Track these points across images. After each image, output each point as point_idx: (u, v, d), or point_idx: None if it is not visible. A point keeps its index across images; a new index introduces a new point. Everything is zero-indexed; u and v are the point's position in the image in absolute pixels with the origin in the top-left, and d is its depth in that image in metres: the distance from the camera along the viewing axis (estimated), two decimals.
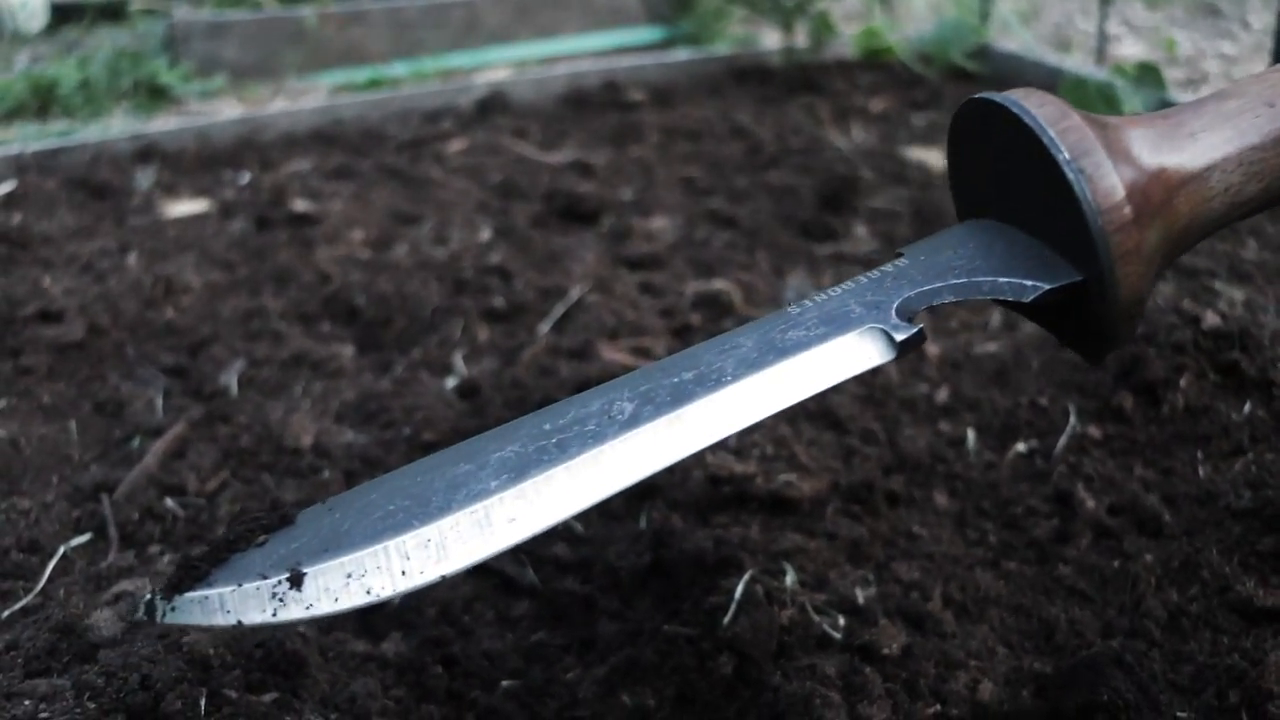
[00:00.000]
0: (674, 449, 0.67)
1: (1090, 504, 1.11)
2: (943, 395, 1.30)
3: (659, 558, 1.02)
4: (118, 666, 0.84)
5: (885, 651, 0.92)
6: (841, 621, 0.95)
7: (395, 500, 0.66)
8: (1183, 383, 1.21)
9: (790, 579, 0.99)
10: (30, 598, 1.01)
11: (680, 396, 0.67)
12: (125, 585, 1.00)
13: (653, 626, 0.95)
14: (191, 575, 0.65)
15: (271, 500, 0.71)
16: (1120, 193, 0.69)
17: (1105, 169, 0.69)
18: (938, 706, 0.89)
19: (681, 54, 2.85)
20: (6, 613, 0.99)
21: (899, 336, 0.70)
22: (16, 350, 1.47)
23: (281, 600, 0.63)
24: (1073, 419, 1.22)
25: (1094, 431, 1.21)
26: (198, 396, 1.39)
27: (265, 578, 0.63)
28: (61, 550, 1.09)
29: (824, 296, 0.73)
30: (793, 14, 2.65)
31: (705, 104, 2.49)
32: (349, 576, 0.63)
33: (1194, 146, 0.73)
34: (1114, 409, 1.22)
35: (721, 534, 1.04)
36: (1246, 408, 1.19)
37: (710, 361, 0.70)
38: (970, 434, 1.23)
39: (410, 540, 0.62)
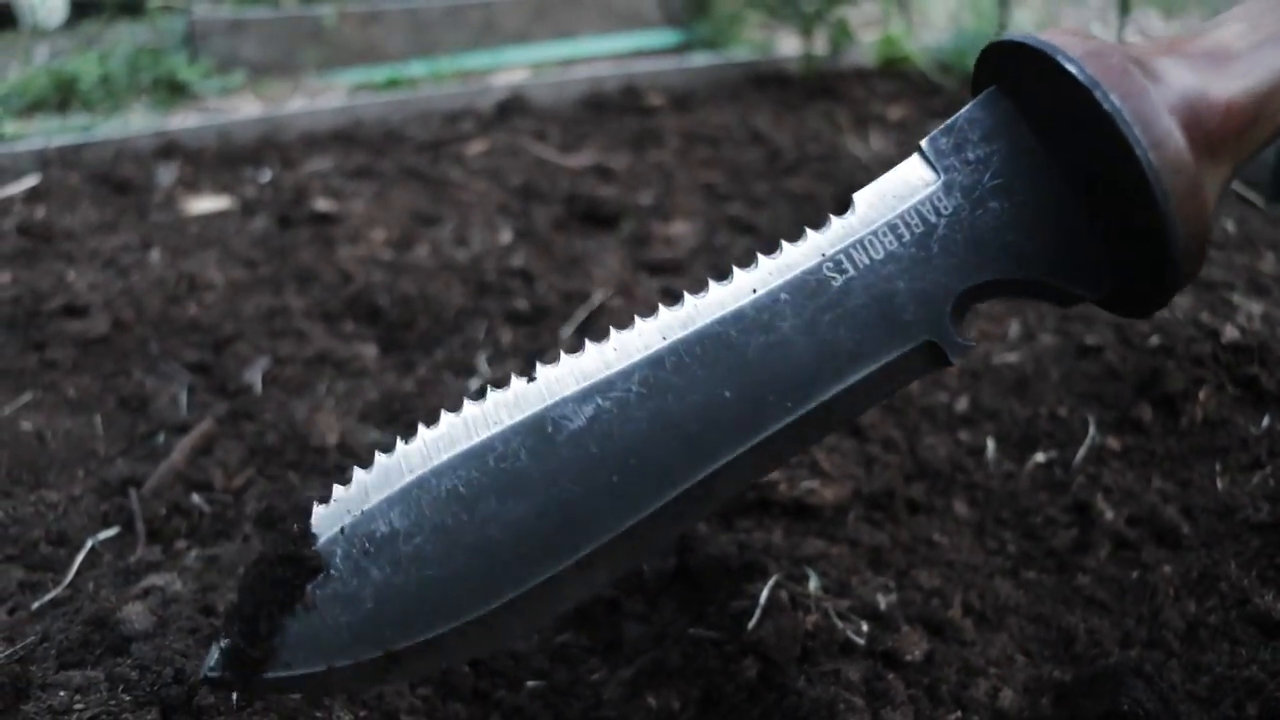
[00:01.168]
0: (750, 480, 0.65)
1: (1109, 515, 1.11)
2: (962, 404, 1.31)
3: (684, 562, 1.03)
4: (151, 660, 0.85)
5: (908, 658, 0.93)
6: (864, 627, 0.95)
7: (457, 558, 0.61)
8: (1201, 395, 1.22)
9: (814, 584, 1.00)
10: (59, 590, 1.02)
11: (751, 428, 0.64)
12: (154, 579, 1.01)
13: (678, 630, 0.96)
14: (257, 658, 0.62)
15: (280, 546, 0.63)
16: (1186, 156, 0.63)
17: (1168, 136, 0.63)
18: (959, 713, 0.89)
19: (700, 59, 2.86)
20: (36, 604, 1.00)
21: (955, 358, 0.66)
22: (41, 344, 1.48)
23: (386, 672, 0.62)
24: (1092, 430, 1.23)
25: (1113, 443, 1.21)
26: (222, 393, 1.40)
27: (359, 659, 0.61)
28: (89, 543, 1.10)
29: (865, 260, 0.66)
30: (812, 20, 2.66)
31: (724, 109, 2.50)
32: (443, 651, 0.62)
33: (1252, 71, 0.69)
34: (1133, 420, 1.23)
35: (745, 539, 1.05)
36: (1265, 421, 1.20)
37: (764, 366, 0.64)
38: (990, 443, 1.24)
39: (495, 609, 0.61)
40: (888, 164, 2.07)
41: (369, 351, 1.49)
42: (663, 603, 1.00)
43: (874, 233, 0.66)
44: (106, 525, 1.14)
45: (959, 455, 1.22)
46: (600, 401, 0.63)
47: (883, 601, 1.00)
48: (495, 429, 0.63)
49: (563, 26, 3.45)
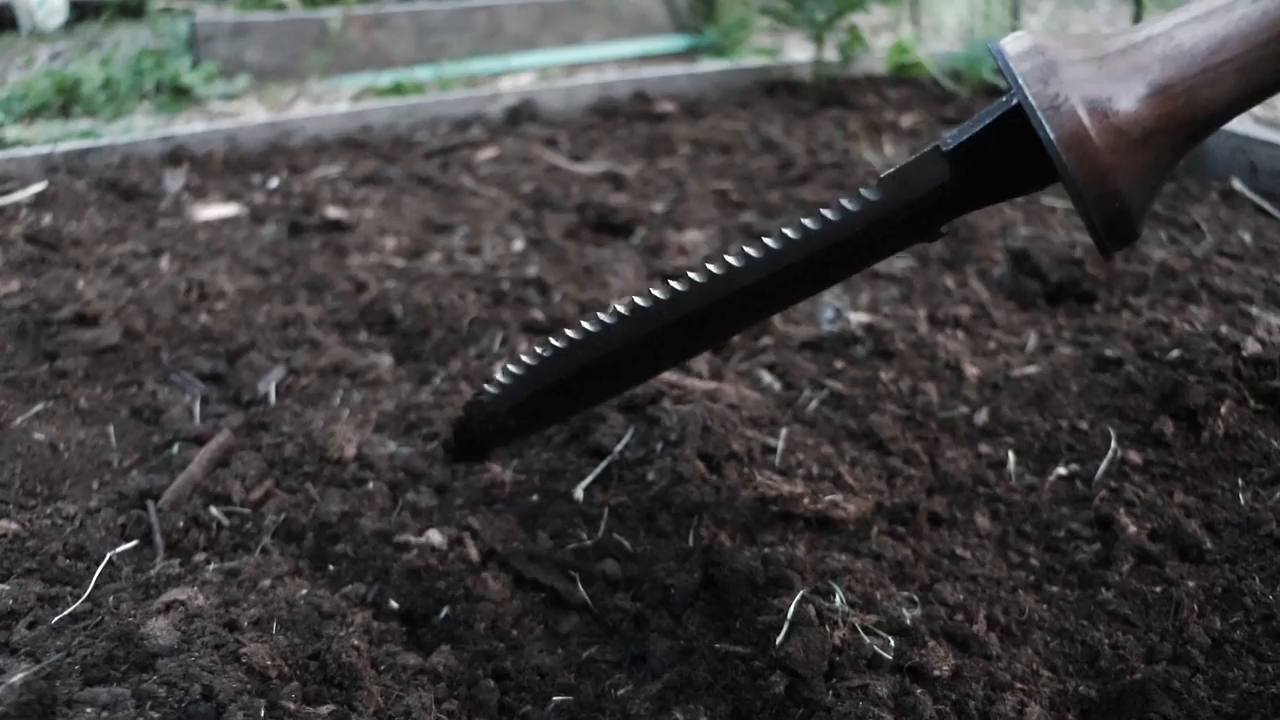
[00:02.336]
0: None
1: (1131, 529, 1.11)
2: (982, 417, 1.30)
3: (709, 576, 1.02)
4: (178, 676, 0.85)
5: (935, 673, 0.93)
6: (891, 642, 0.95)
7: (567, 407, 1.18)
8: (1223, 409, 1.22)
9: (839, 599, 0.99)
10: (79, 604, 1.01)
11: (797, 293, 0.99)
12: (175, 594, 1.00)
13: (705, 644, 0.95)
14: (472, 455, 1.24)
15: (482, 414, 1.13)
16: (1091, 142, 0.76)
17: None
18: None
19: (711, 65, 2.86)
20: (56, 619, 0.99)
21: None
22: (53, 353, 1.47)
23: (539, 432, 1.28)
24: (1113, 443, 1.23)
25: (1134, 456, 1.21)
26: (236, 404, 1.39)
27: (525, 439, 1.29)
28: (108, 556, 1.09)
29: (887, 228, 0.89)
30: (824, 28, 2.65)
31: (735, 116, 2.50)
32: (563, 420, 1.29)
33: (1177, 62, 0.77)
34: (1154, 434, 1.23)
35: (769, 553, 1.04)
36: None
37: (809, 277, 0.94)
38: (1011, 456, 1.23)
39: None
40: None
41: (384, 361, 1.48)
42: (689, 617, 1.00)
43: (895, 211, 0.88)
44: (125, 538, 1.13)
45: (980, 468, 1.22)
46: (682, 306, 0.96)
47: (908, 616, 0.99)
48: (613, 347, 1.00)
49: (569, 31, 3.45)
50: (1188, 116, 0.78)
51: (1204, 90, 0.77)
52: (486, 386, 1.11)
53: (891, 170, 0.88)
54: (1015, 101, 0.81)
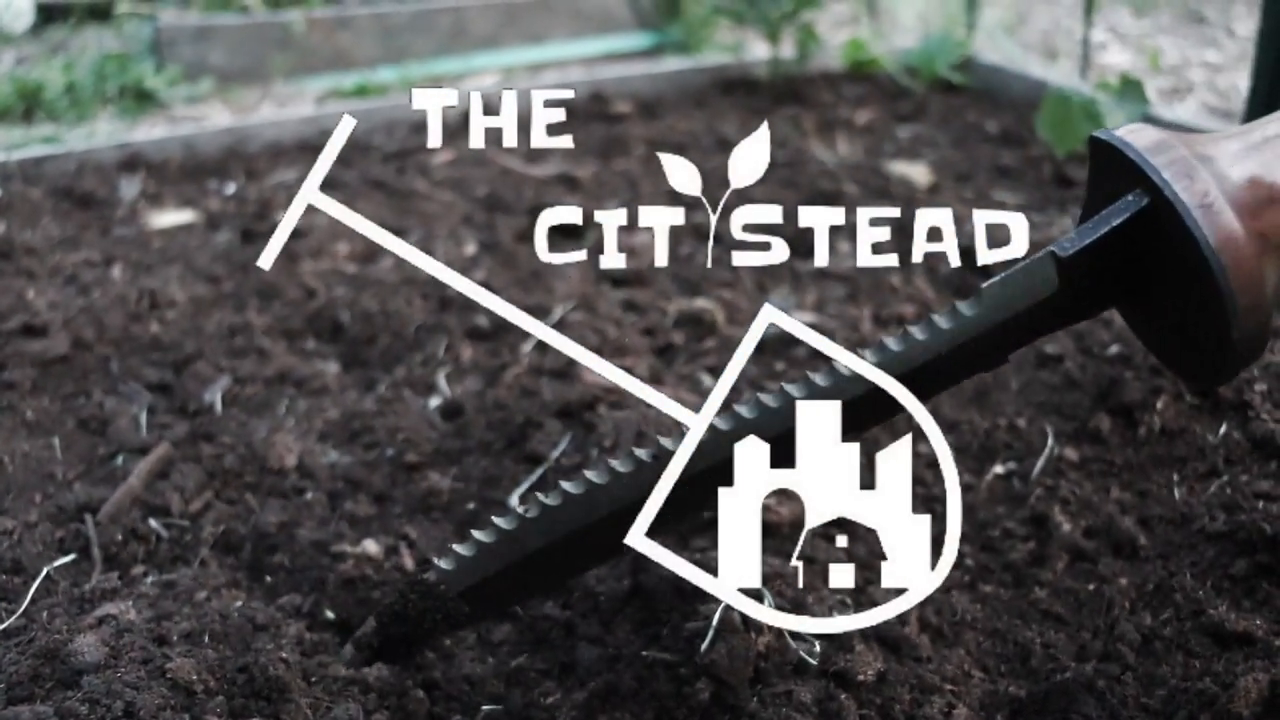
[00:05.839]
0: None
1: (1066, 527, 1.12)
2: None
3: (638, 583, 1.02)
4: (101, 693, 0.85)
5: (861, 677, 0.93)
6: (817, 647, 0.95)
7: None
8: (1159, 405, 1.23)
9: (767, 604, 0.99)
10: (13, 620, 1.01)
11: None
12: (109, 608, 1.00)
13: (631, 652, 0.96)
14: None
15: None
16: (1244, 244, 0.71)
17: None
18: None
19: (668, 65, 2.86)
20: None
21: None
22: (0, 365, 1.47)
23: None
24: (1050, 441, 1.23)
25: (1071, 454, 1.22)
26: (182, 414, 1.39)
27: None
28: (45, 571, 1.09)
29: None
30: (779, 24, 2.65)
31: (691, 116, 2.50)
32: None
33: None
34: (1091, 431, 1.23)
35: (701, 559, 1.04)
36: (1222, 430, 1.20)
37: None
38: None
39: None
40: (853, 170, 2.04)
41: (330, 369, 1.48)
42: (617, 624, 1.00)
43: (989, 329, 0.83)
44: (63, 552, 1.13)
45: (917, 467, 1.22)
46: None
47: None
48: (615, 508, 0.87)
49: (533, 31, 3.44)
50: None
51: None
52: (438, 561, 0.90)
53: (994, 281, 0.80)
54: (1147, 202, 0.74)
